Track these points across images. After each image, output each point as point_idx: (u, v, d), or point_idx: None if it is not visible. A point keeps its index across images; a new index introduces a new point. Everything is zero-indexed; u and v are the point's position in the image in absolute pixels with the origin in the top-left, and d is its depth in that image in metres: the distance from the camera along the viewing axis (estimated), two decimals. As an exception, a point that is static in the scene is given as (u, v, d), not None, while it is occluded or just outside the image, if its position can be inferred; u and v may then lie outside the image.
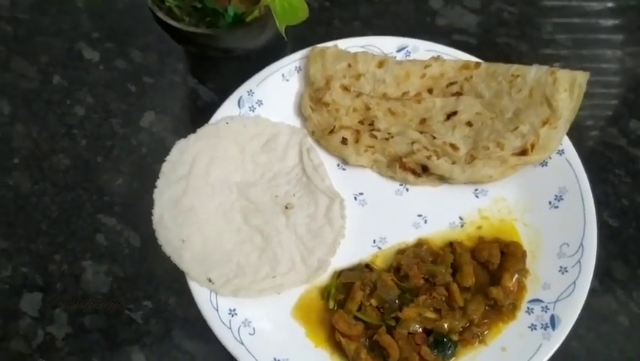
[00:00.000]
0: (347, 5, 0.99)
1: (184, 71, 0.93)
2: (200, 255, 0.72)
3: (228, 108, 0.82)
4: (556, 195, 0.76)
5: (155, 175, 0.83)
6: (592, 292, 0.70)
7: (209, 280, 0.71)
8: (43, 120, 0.89)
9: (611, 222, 0.78)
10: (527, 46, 0.93)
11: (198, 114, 0.89)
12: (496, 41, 0.94)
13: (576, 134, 0.80)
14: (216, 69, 0.92)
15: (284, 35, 0.69)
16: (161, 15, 0.77)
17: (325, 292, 0.73)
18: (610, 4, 0.97)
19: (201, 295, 0.71)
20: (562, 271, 0.71)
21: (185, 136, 0.86)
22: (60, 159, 0.86)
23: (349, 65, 0.83)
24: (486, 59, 0.92)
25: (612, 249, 0.76)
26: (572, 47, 0.93)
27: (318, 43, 0.94)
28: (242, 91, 0.82)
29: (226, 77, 0.91)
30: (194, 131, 0.85)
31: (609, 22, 0.96)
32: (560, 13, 0.97)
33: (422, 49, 0.85)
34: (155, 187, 0.76)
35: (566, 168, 0.76)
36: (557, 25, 0.95)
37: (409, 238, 0.76)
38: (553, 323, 0.68)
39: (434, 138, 0.79)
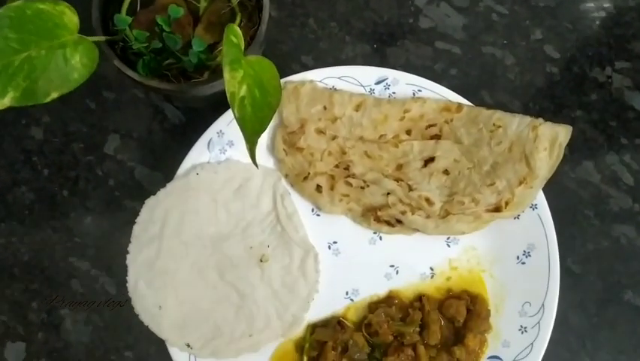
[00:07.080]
0: (323, 1, 0.90)
1: (147, 85, 0.86)
2: (178, 319, 0.74)
3: (198, 152, 0.78)
4: (524, 251, 0.77)
5: (125, 213, 0.82)
6: (547, 340, 0.75)
7: (188, 345, 0.73)
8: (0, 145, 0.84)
9: (574, 269, 0.81)
10: (513, 59, 0.88)
11: (166, 137, 0.85)
12: (481, 51, 0.89)
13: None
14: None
15: (255, 163, 0.60)
16: (117, 63, 0.70)
17: (299, 346, 0.77)
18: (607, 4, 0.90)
19: (181, 359, 0.74)
20: (522, 331, 0.75)
21: (152, 167, 0.84)
22: (24, 193, 0.83)
23: (325, 108, 0.78)
24: (468, 72, 0.88)
25: (572, 296, 0.80)
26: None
27: (292, 49, 0.89)
28: (211, 133, 0.78)
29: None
30: (163, 161, 0.83)
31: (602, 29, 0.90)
32: (554, 14, 0.90)
33: (402, 82, 0.80)
34: (128, 252, 0.75)
35: (537, 224, 0.77)
36: (548, 30, 0.89)
37: (381, 289, 0.79)
38: (508, 381, 0.74)
39: (410, 188, 0.78)
